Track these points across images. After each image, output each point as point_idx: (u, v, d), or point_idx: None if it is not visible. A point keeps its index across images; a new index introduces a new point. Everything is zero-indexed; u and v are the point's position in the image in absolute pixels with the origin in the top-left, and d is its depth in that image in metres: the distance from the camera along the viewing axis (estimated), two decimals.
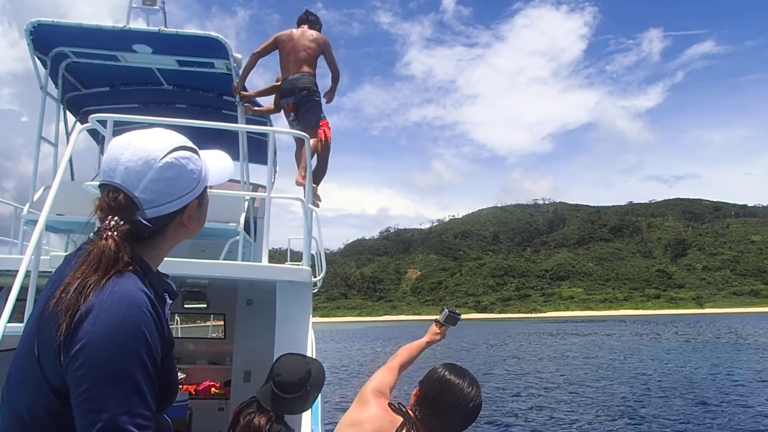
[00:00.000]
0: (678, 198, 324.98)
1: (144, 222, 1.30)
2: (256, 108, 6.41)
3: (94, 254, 1.23)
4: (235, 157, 6.34)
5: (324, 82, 6.30)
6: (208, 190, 1.51)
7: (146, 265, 1.34)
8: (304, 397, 2.94)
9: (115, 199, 1.28)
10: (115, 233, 1.25)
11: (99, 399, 1.10)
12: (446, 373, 2.11)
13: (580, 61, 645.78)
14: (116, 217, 1.27)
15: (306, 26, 6.28)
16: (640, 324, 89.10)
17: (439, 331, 2.82)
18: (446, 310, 2.85)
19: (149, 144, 1.33)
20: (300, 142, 6.03)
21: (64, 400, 1.16)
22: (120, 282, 1.21)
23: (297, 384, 2.88)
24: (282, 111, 6.35)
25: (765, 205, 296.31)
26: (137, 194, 1.29)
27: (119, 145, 1.33)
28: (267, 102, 6.71)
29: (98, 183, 1.35)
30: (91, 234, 1.31)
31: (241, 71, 5.99)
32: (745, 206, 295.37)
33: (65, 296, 1.17)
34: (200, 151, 1.47)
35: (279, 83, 6.32)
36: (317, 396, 3.08)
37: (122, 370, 1.12)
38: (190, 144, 1.42)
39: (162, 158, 1.32)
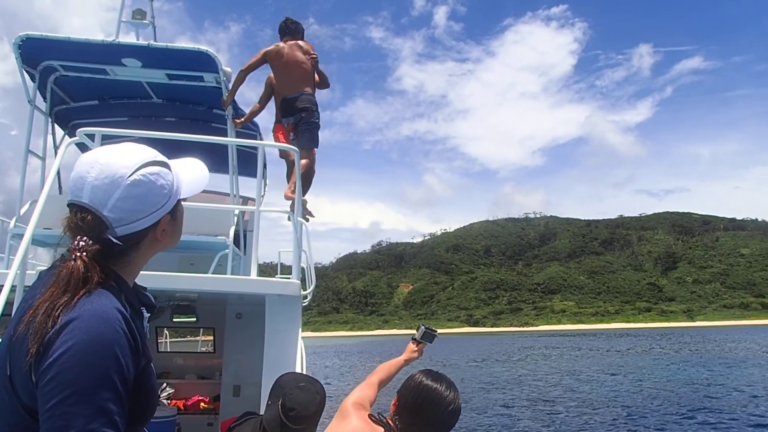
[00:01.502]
0: (668, 211, 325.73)
1: (114, 240, 1.29)
2: (241, 120, 6.40)
3: (63, 275, 1.22)
4: (225, 170, 6.35)
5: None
6: (185, 203, 1.48)
7: (121, 281, 1.33)
8: (311, 427, 2.92)
9: (83, 218, 1.27)
10: (84, 254, 1.24)
11: (63, 417, 1.09)
12: (423, 378, 2.11)
13: (570, 77, 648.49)
14: (85, 237, 1.26)
15: (289, 38, 6.25)
16: (632, 337, 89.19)
17: (416, 348, 2.84)
18: (422, 327, 2.87)
19: (116, 161, 1.30)
20: (291, 158, 6.07)
21: (37, 419, 1.15)
22: (91, 300, 1.20)
23: (310, 417, 2.87)
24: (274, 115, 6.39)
25: (754, 218, 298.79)
26: (106, 213, 1.27)
27: (85, 163, 1.31)
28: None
29: (66, 202, 1.32)
30: (66, 251, 1.29)
31: (230, 85, 6.01)
32: (734, 220, 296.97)
33: (34, 319, 1.16)
34: (173, 162, 1.44)
35: (259, 106, 6.49)
36: (319, 419, 3.06)
37: (89, 389, 1.11)
38: (159, 158, 1.39)
39: (129, 176, 1.29)
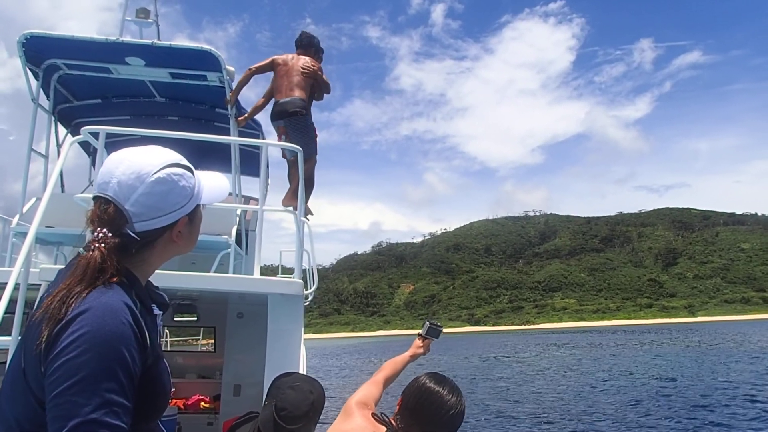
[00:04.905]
0: (667, 207, 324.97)
1: (132, 235, 1.33)
2: (243, 117, 6.40)
3: (81, 266, 1.26)
4: (228, 169, 6.34)
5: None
6: (202, 207, 1.52)
7: (133, 278, 1.36)
8: (307, 426, 2.91)
9: (106, 210, 1.31)
10: (102, 245, 1.28)
11: (65, 406, 1.10)
12: (427, 381, 2.12)
13: (569, 73, 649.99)
14: (105, 229, 1.30)
15: (301, 51, 6.40)
16: (634, 334, 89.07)
17: (422, 344, 2.85)
18: (428, 323, 2.88)
19: (143, 159, 1.36)
20: (292, 160, 6.11)
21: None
22: (102, 293, 1.23)
23: (302, 417, 2.86)
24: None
25: (753, 213, 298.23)
26: (127, 207, 1.32)
27: (115, 160, 1.37)
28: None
29: (92, 195, 1.38)
30: (81, 249, 1.33)
31: (234, 84, 6.00)
32: (733, 214, 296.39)
33: (50, 307, 1.19)
34: (196, 171, 1.49)
35: (263, 101, 6.48)
36: (318, 419, 3.05)
37: (93, 379, 1.12)
38: (185, 162, 1.45)
39: (154, 173, 1.35)
